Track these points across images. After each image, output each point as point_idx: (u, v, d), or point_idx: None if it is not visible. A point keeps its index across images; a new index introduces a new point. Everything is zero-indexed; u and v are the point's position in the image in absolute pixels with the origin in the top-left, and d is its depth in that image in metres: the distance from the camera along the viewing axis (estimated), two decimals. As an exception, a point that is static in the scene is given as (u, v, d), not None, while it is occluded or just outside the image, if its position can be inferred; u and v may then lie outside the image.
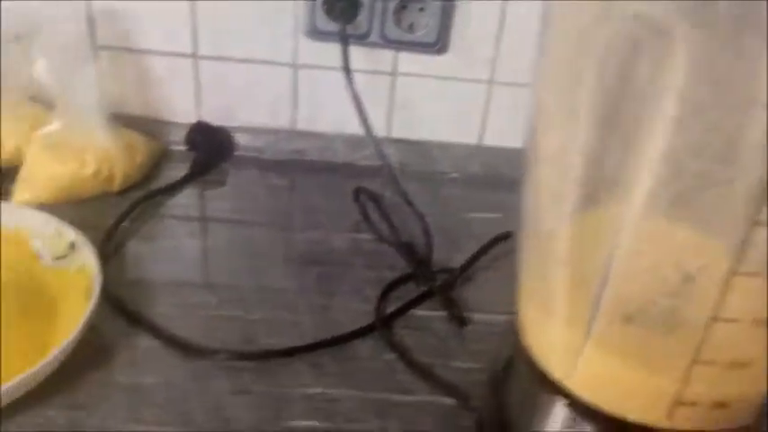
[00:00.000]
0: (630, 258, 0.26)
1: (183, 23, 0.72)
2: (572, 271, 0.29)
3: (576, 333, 0.29)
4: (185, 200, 0.70)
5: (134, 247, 0.62)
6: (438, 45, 0.72)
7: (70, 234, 0.55)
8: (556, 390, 0.31)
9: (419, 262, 0.62)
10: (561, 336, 0.30)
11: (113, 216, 0.64)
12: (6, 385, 0.43)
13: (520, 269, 0.34)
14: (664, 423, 0.28)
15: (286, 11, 0.71)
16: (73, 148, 0.65)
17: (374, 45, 0.72)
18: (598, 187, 0.27)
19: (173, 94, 0.76)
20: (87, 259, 0.54)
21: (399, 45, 0.72)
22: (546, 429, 0.32)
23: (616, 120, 0.25)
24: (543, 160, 0.29)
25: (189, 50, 0.73)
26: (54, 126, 0.66)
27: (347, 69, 0.66)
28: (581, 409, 0.31)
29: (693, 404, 0.27)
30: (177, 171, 0.73)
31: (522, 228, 0.33)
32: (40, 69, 0.64)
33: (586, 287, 0.28)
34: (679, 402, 0.27)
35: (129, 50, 0.73)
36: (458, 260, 0.63)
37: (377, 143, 0.65)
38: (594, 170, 0.27)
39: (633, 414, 0.29)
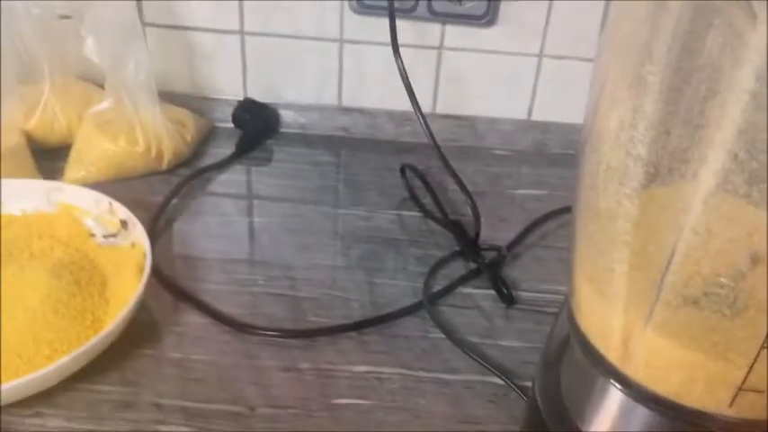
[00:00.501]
0: (699, 239, 0.25)
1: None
2: (634, 251, 0.28)
3: (636, 316, 0.28)
4: (233, 177, 0.70)
5: (183, 225, 0.63)
6: (486, 18, 0.70)
7: (122, 212, 0.56)
8: (611, 373, 0.30)
9: (466, 240, 0.61)
10: (619, 318, 0.29)
11: (163, 194, 0.65)
12: (60, 361, 0.44)
13: (574, 249, 0.33)
14: (725, 410, 0.27)
15: (331, -15, 0.71)
16: (123, 127, 0.66)
17: (421, 18, 0.71)
18: (666, 165, 0.25)
19: (219, 72, 0.76)
20: (138, 237, 0.54)
21: (446, 18, 0.71)
22: (600, 413, 0.32)
23: (687, 94, 0.24)
24: (606, 137, 0.28)
25: (236, 27, 0.73)
26: (104, 104, 0.67)
27: (394, 44, 0.65)
28: (637, 395, 0.30)
29: (759, 391, 0.26)
30: (224, 148, 0.73)
31: (578, 206, 0.32)
32: (90, 48, 0.65)
33: (648, 268, 0.27)
34: (743, 389, 0.26)
35: (176, 27, 0.73)
36: (505, 238, 0.62)
37: (423, 119, 0.64)
38: (663, 147, 0.25)
39: (693, 400, 0.28)
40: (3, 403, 0.44)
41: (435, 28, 0.72)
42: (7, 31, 0.65)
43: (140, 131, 0.65)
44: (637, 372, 0.29)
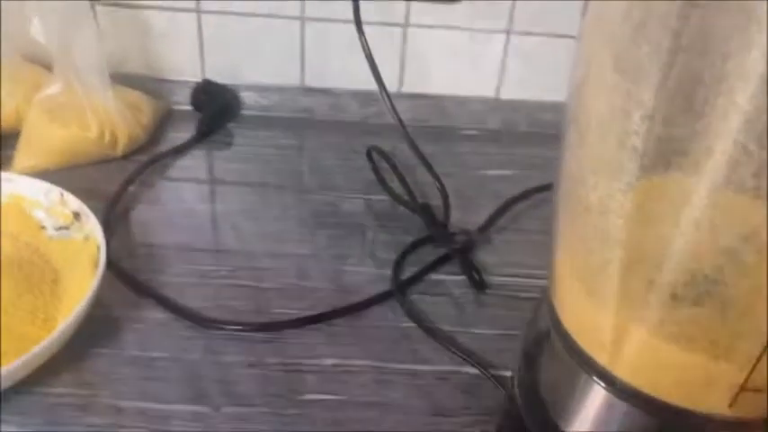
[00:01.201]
0: (701, 235, 0.23)
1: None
2: (626, 247, 0.26)
3: (629, 317, 0.27)
4: (192, 162, 0.67)
5: (140, 214, 0.60)
6: (452, -7, 0.68)
7: (74, 203, 0.53)
8: (597, 372, 0.29)
9: (436, 224, 0.59)
10: (609, 319, 0.27)
11: (118, 181, 0.62)
12: (11, 364, 0.42)
13: (556, 244, 0.31)
14: (724, 410, 0.26)
15: (291, -40, 0.68)
16: (74, 111, 0.62)
17: (385, -5, 0.68)
18: (664, 156, 0.24)
19: (175, 52, 0.73)
20: (92, 229, 0.52)
21: (411, -6, 0.68)
22: (583, 412, 0.30)
23: (690, 79, 0.22)
24: (595, 124, 0.26)
25: (191, 4, 0.70)
26: (54, 88, 0.63)
27: (358, 22, 0.63)
28: (626, 395, 0.28)
29: (759, 390, 0.25)
30: (183, 132, 0.70)
31: (562, 199, 0.31)
32: (36, 28, 0.61)
33: (642, 265, 0.26)
34: (744, 389, 0.25)
35: (128, 5, 0.70)
36: (476, 221, 0.61)
37: (389, 99, 0.62)
38: (661, 137, 0.23)
39: (690, 401, 0.27)
40: (-51, 412, 0.42)
41: (400, 5, 0.69)
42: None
43: (92, 116, 0.62)
44: (627, 372, 0.28)
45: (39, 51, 0.65)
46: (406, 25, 0.70)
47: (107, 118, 0.63)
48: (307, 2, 0.69)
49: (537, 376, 0.34)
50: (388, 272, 0.55)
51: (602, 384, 0.29)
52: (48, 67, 0.65)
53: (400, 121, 0.62)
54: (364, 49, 0.62)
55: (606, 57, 0.26)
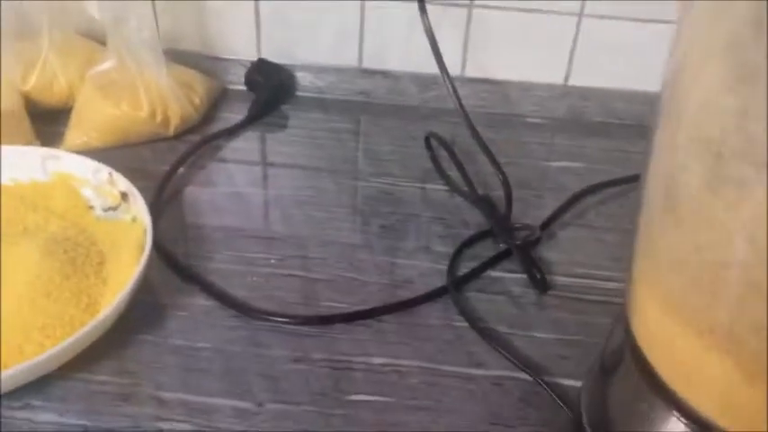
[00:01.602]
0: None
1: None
2: (718, 260, 0.22)
3: (712, 339, 0.23)
4: (244, 144, 0.65)
5: (190, 196, 0.59)
6: (521, -28, 0.64)
7: (122, 183, 0.52)
8: (672, 400, 0.26)
9: (496, 217, 0.56)
10: (687, 339, 0.24)
11: (169, 162, 0.61)
12: (53, 349, 0.40)
13: (635, 250, 0.28)
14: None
15: (353, -65, 0.65)
16: (126, 89, 0.61)
17: (449, -27, 0.65)
18: None
19: (231, 30, 0.70)
20: (139, 211, 0.50)
21: (478, -27, 0.65)
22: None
23: None
24: (694, 124, 0.23)
25: (251, -17, 0.68)
26: (106, 65, 0.62)
27: (420, 0, 0.60)
28: (700, 425, 0.25)
29: None
30: (236, 113, 0.68)
31: (647, 199, 0.27)
32: (92, 3, 0.60)
33: (733, 284, 0.22)
34: None
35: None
36: (539, 215, 0.57)
37: (451, 83, 0.59)
38: None
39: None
40: (-11, 395, 0.41)
41: (465, -17, 0.66)
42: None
43: (144, 94, 0.61)
44: (705, 402, 0.25)
45: (94, 26, 0.63)
46: (471, 5, 0.67)
47: (159, 97, 0.61)
48: (367, -21, 0.66)
49: (607, 394, 0.31)
50: (444, 266, 0.53)
51: (682, 420, 0.26)
52: (102, 42, 0.64)
53: (461, 106, 0.58)
54: (426, 30, 0.59)
55: (719, 56, 0.22)
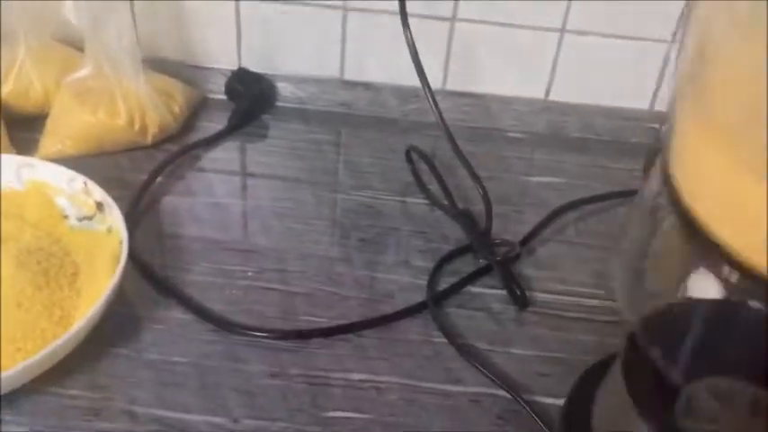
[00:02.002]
0: None
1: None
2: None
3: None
4: (224, 154, 0.64)
5: (168, 206, 0.58)
6: (504, -13, 0.64)
7: (97, 192, 0.51)
8: (715, 248, 0.25)
9: (476, 232, 0.56)
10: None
11: (146, 171, 0.60)
12: (25, 362, 0.39)
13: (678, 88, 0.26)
14: None
15: (336, -54, 0.64)
16: (103, 96, 0.60)
17: (432, -14, 0.65)
18: None
19: (212, 38, 0.70)
20: (115, 221, 0.49)
21: (460, -13, 0.65)
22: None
23: None
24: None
25: (231, -9, 0.67)
26: (83, 72, 0.61)
27: (403, 13, 0.59)
28: (743, 272, 0.24)
29: None
30: (215, 122, 0.68)
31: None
32: (69, 8, 0.59)
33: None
34: None
35: (167, -11, 0.67)
36: (519, 231, 0.57)
37: (432, 96, 0.59)
38: None
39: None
40: (-45, 411, 0.39)
41: (448, -3, 0.66)
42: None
43: (122, 102, 0.60)
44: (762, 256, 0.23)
45: (70, 32, 0.62)
46: (453, 19, 0.67)
47: (137, 105, 0.60)
48: (350, -9, 0.66)
49: (590, 410, 0.30)
50: (423, 281, 0.52)
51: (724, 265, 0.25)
52: (79, 49, 0.63)
53: (442, 119, 0.58)
54: (408, 43, 0.59)
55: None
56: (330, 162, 0.65)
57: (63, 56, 0.64)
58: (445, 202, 0.59)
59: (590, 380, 0.35)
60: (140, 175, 0.59)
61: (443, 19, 0.67)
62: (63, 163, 0.54)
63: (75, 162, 0.55)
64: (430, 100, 0.59)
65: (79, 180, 0.52)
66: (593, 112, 0.69)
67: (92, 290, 0.46)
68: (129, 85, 0.60)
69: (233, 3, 0.68)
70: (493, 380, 0.45)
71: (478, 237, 0.55)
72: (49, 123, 0.61)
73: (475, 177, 0.57)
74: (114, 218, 0.49)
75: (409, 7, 0.59)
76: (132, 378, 0.44)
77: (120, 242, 0.47)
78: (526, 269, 0.54)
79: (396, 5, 0.59)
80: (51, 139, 0.60)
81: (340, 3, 0.67)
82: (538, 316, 0.51)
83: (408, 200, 0.61)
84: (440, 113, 0.59)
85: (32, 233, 0.50)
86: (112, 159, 0.61)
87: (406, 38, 0.59)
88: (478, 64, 0.69)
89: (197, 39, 0.70)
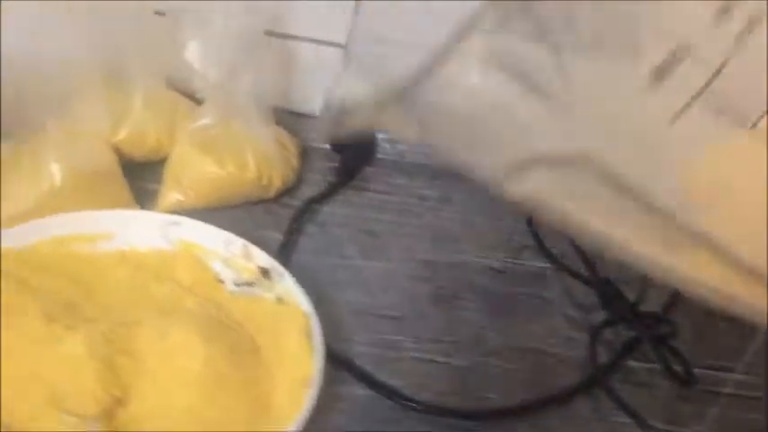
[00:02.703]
0: None
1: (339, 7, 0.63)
2: None
3: None
4: (340, 209, 0.62)
5: (302, 266, 0.55)
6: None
7: (261, 257, 0.48)
8: None
9: (618, 305, 0.55)
10: None
11: (266, 226, 0.57)
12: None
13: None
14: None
15: None
16: (229, 147, 0.57)
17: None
18: None
19: (315, 87, 0.67)
20: (289, 291, 0.46)
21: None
22: None
23: None
24: None
25: (341, 39, 0.65)
26: (205, 120, 0.58)
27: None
28: None
29: None
30: (315, 173, 0.65)
31: None
32: (193, 52, 0.56)
33: None
34: None
35: (272, 34, 0.65)
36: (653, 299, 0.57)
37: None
38: None
39: None
40: None
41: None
42: (91, 27, 0.55)
43: (251, 155, 0.57)
44: None
45: (184, 78, 0.59)
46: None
47: (264, 157, 0.58)
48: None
49: None
50: (579, 353, 0.52)
51: None
52: (187, 96, 0.60)
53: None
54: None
55: None
56: (446, 221, 0.63)
57: (173, 102, 0.60)
58: (571, 266, 0.58)
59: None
60: (264, 231, 0.56)
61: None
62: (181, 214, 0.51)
63: (190, 215, 0.52)
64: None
65: (238, 243, 0.49)
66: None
67: (284, 367, 0.43)
68: (259, 137, 0.57)
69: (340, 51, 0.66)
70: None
71: (624, 309, 0.55)
72: (168, 173, 0.57)
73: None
74: (286, 287, 0.47)
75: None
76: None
77: (304, 315, 0.45)
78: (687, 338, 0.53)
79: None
80: (172, 191, 0.56)
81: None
82: (707, 394, 0.50)
83: (527, 263, 0.60)
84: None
85: (193, 299, 0.47)
86: (229, 213, 0.58)
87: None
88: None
89: (300, 86, 0.68)
